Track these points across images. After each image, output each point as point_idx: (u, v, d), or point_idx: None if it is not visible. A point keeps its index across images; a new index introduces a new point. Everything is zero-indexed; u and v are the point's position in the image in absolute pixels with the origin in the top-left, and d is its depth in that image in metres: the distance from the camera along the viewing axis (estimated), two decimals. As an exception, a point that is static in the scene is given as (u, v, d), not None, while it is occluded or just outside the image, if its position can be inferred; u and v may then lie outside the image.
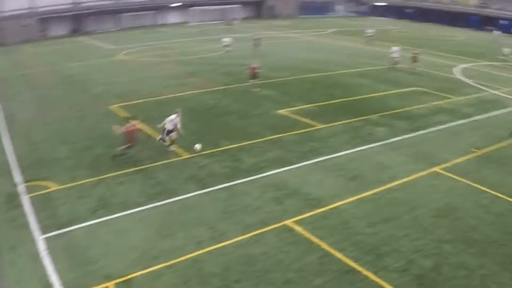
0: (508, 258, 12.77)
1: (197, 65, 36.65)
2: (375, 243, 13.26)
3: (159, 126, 19.50)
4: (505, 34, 63.22)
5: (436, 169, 18.40)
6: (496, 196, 16.33)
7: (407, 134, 22.45)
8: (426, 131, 23.00)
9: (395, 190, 16.58)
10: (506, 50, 45.25)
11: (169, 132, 19.16)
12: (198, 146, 19.21)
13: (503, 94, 31.43)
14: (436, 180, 17.47)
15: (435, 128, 23.40)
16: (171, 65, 36.76)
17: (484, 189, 16.80)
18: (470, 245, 13.25)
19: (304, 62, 39.82)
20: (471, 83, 34.42)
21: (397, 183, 17.13)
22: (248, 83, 28.74)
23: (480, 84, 33.80)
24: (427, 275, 11.89)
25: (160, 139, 19.60)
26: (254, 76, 27.60)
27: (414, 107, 27.13)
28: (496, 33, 63.16)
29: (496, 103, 29.19)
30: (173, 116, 19.26)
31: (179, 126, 19.46)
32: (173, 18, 71.94)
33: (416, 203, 15.64)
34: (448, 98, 29.61)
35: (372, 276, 11.80)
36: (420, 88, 31.81)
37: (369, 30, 53.30)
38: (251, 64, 26.57)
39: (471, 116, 25.77)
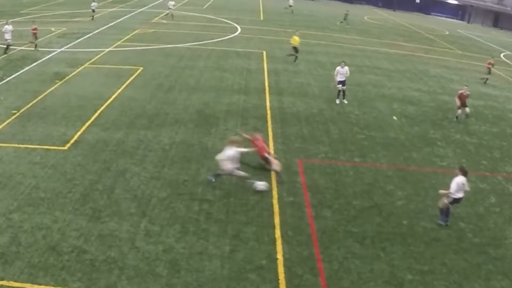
0: (78, 203, 13.39)
1: None
2: None
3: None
4: None
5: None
6: (47, 149, 16.67)
7: None
8: None
9: None
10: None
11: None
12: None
13: (28, 48, 31.57)
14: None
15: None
16: None
17: (34, 146, 16.82)
18: (38, 205, 13.15)
19: None
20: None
21: None
22: None
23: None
24: (7, 251, 11.16)
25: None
26: None
27: None
28: None
29: (25, 59, 29.09)
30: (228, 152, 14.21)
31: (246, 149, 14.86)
32: None
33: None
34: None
35: None
36: None
37: None
38: None
39: (2, 79, 24.89)
